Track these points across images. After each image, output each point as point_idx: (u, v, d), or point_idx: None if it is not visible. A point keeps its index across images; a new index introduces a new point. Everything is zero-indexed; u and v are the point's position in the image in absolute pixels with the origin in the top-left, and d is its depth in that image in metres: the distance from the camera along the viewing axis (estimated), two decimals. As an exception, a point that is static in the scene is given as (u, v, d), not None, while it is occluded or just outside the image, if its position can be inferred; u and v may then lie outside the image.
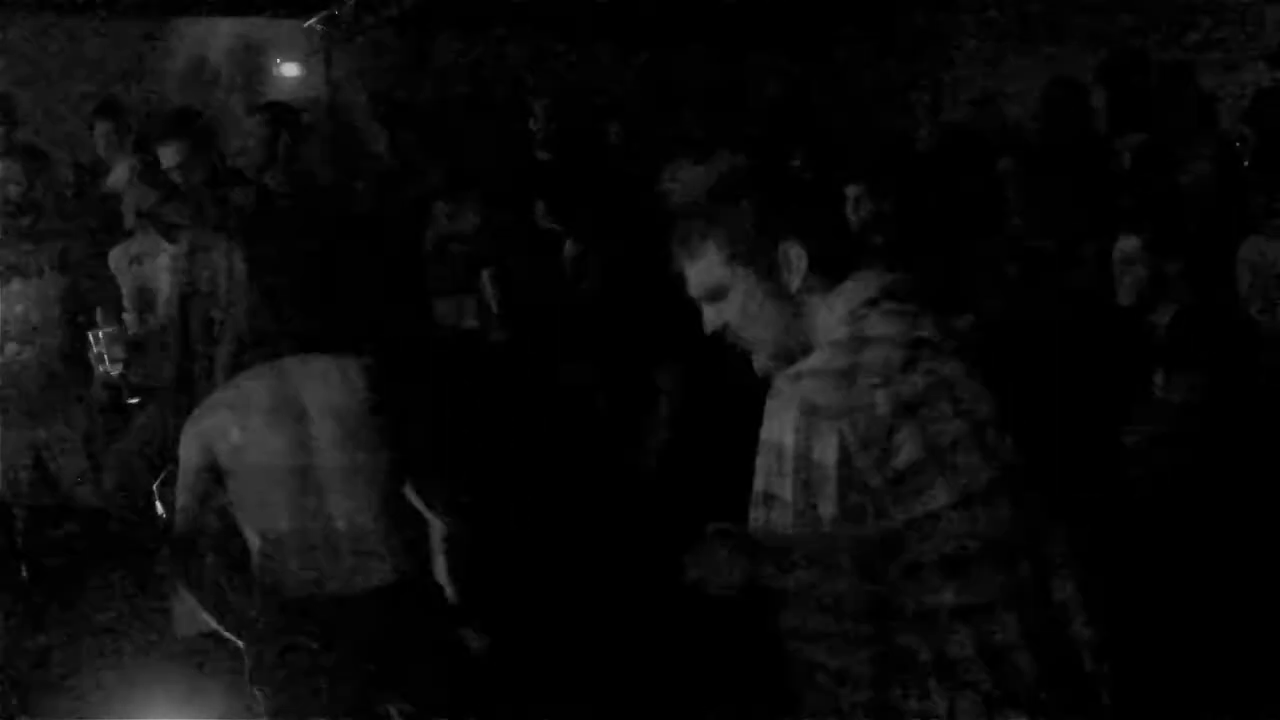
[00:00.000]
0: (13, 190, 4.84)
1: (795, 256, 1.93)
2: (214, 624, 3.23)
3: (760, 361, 1.99)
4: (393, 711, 3.03)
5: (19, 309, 4.84)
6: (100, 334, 4.80)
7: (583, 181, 5.77)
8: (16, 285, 4.84)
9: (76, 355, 4.91)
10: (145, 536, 4.63)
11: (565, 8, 7.67)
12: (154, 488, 4.66)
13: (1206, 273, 4.15)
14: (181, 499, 3.21)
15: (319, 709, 2.92)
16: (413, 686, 3.05)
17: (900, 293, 1.91)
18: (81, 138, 6.45)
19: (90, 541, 5.12)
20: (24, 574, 5.11)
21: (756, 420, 1.91)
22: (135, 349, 4.83)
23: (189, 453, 3.21)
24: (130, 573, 4.79)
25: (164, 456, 4.84)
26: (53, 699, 4.18)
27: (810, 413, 1.78)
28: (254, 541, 3.17)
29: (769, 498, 1.85)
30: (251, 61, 7.97)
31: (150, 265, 4.98)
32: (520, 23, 7.87)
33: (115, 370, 4.78)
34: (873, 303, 1.89)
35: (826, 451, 1.76)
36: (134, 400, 4.98)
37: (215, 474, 3.18)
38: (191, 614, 4.34)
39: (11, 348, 4.86)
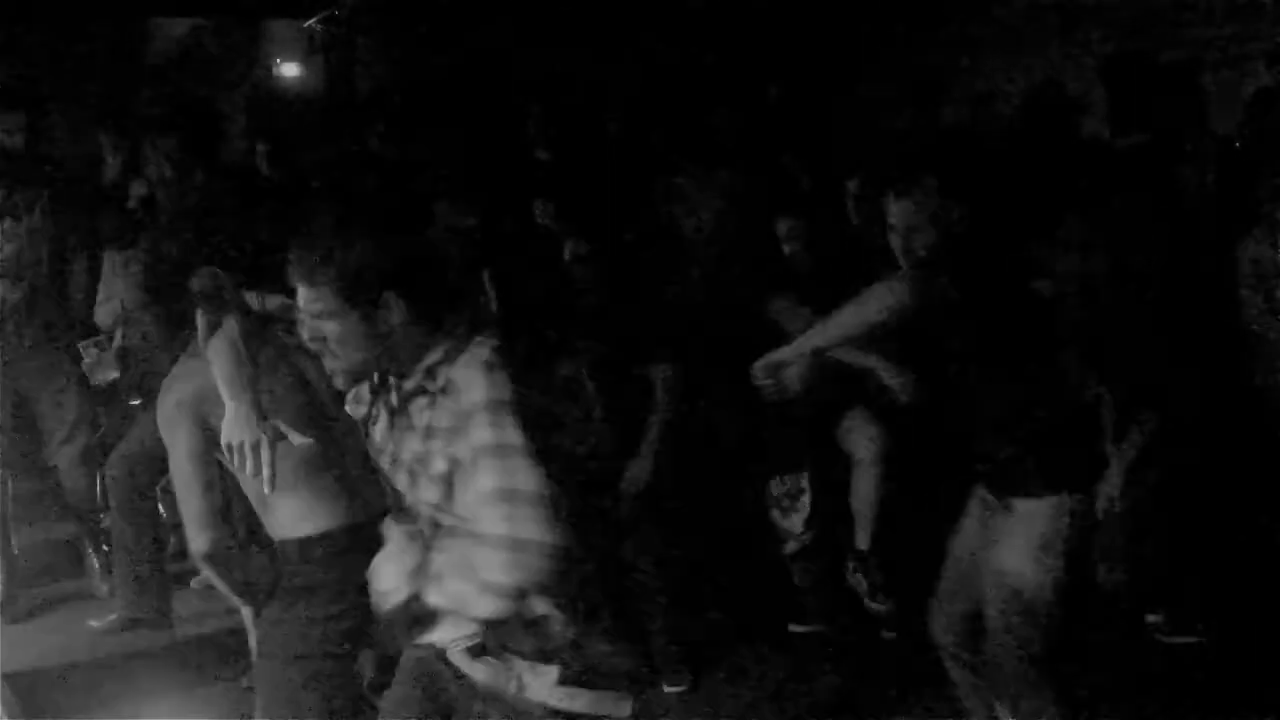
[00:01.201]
0: (4, 138, 4.88)
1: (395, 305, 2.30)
2: None
3: (339, 377, 2.39)
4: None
5: (10, 248, 4.85)
6: (90, 346, 4.83)
7: (583, 181, 5.77)
8: (8, 225, 4.85)
9: (63, 295, 4.94)
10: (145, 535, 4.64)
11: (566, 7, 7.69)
12: (157, 488, 4.66)
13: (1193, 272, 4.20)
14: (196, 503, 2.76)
15: None
16: None
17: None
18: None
19: (89, 541, 5.13)
20: (18, 571, 5.12)
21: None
22: (125, 356, 4.86)
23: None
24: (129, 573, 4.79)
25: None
26: (53, 699, 4.18)
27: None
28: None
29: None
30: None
31: None
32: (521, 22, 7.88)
33: (108, 380, 4.81)
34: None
35: None
36: (136, 402, 4.99)
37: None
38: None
39: (3, 286, 4.86)
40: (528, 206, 5.65)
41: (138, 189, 5.24)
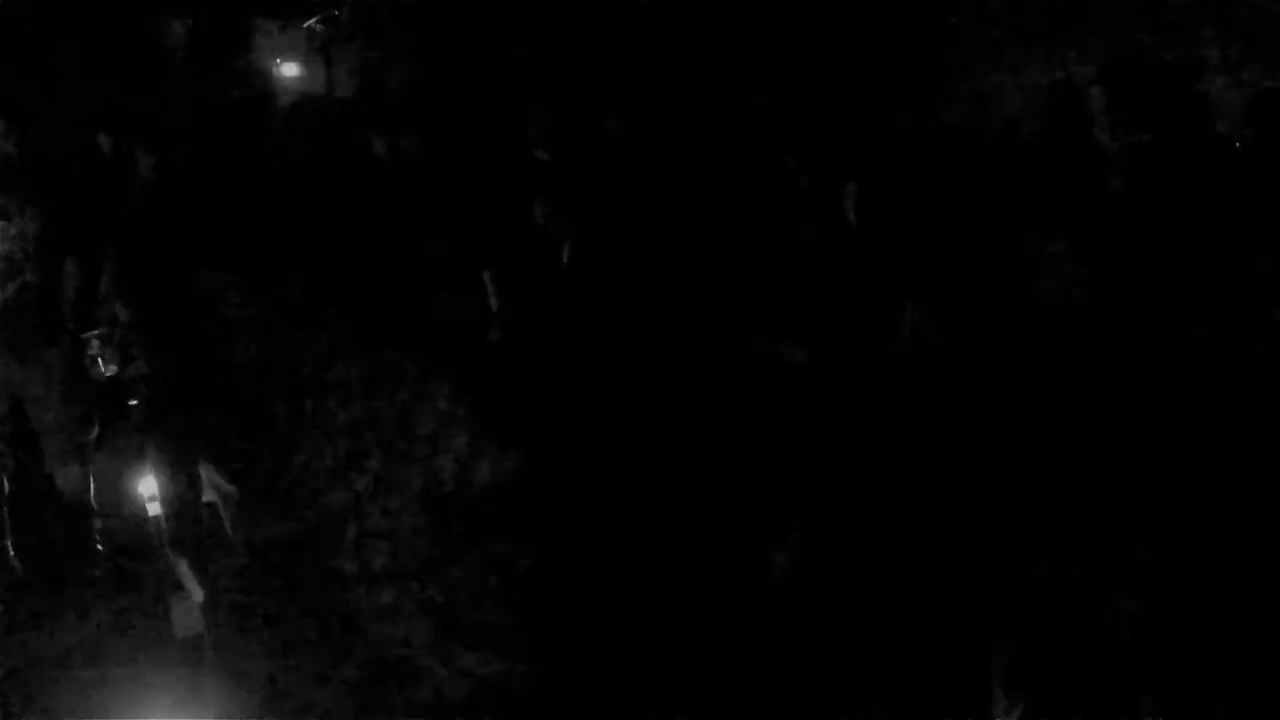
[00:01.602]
0: None
1: None
2: None
3: None
4: None
5: (1, 250, 4.85)
6: (94, 338, 4.82)
7: (582, 181, 5.76)
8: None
9: (53, 294, 4.93)
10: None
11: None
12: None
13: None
14: None
15: None
16: None
17: None
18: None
19: (81, 540, 5.12)
20: (16, 567, 5.11)
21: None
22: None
23: None
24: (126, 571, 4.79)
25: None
26: (52, 698, 4.18)
27: None
28: None
29: None
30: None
31: None
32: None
33: (110, 372, 4.80)
34: None
35: None
36: (134, 402, 4.98)
37: None
38: (189, 613, 4.36)
39: None
40: (528, 206, 5.65)
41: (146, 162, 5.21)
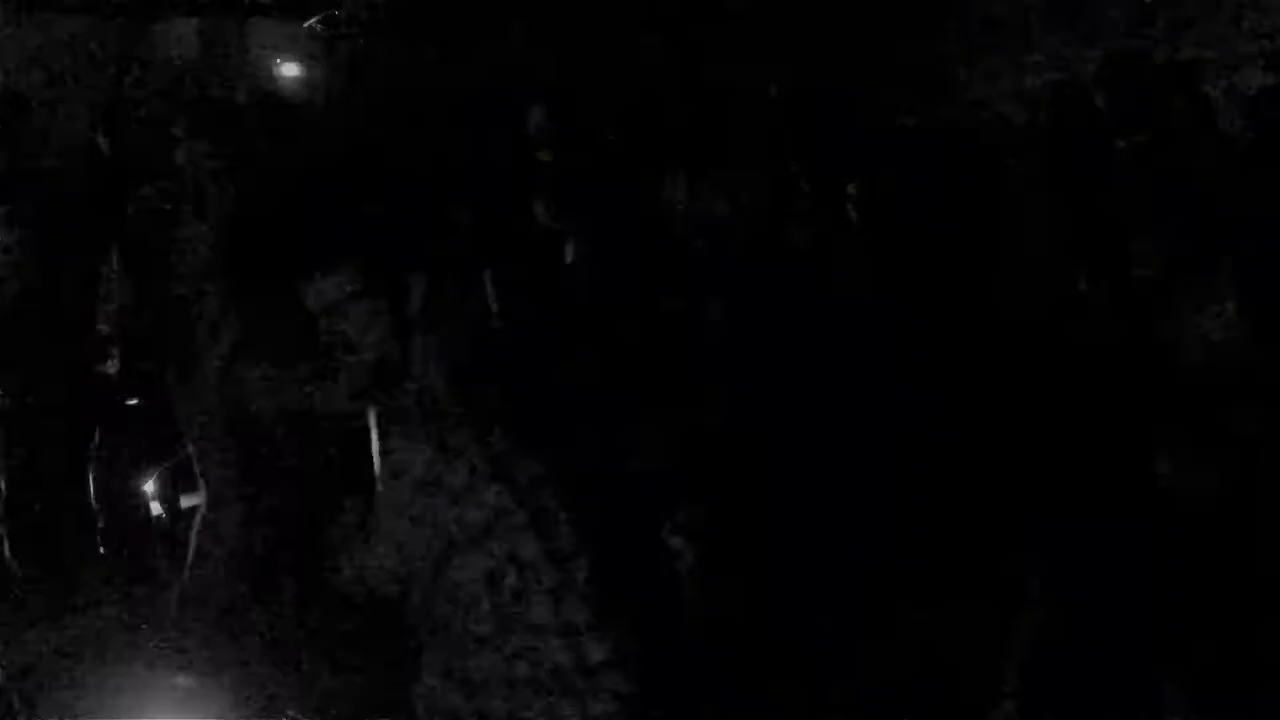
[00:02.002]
0: None
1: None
2: None
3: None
4: None
5: None
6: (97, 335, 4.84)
7: (582, 182, 5.76)
8: None
9: (58, 308, 4.91)
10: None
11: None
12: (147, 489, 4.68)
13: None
14: None
15: None
16: None
17: None
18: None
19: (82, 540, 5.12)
20: (16, 571, 5.11)
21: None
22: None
23: None
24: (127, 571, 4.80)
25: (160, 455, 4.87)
26: (52, 699, 4.19)
27: None
28: None
29: None
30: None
31: None
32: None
33: (114, 369, 4.81)
34: None
35: None
36: (134, 401, 4.98)
37: None
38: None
39: None
40: (528, 206, 5.66)
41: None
